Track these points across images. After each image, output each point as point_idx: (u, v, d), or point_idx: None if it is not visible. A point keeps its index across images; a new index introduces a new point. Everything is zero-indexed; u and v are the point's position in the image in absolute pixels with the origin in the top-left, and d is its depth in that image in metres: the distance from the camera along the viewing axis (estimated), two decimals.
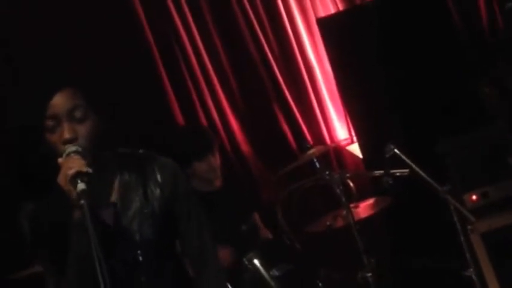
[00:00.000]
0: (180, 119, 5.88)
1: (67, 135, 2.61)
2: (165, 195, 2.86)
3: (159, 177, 2.87)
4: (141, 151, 2.94)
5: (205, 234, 2.98)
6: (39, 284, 3.11)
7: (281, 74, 6.23)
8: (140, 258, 2.81)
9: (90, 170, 2.51)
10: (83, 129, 2.65)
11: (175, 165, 2.95)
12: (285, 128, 6.21)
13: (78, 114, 2.64)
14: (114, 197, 2.81)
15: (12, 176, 2.87)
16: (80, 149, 2.57)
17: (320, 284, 4.41)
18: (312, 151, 4.95)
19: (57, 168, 2.55)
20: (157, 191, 2.85)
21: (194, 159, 4.69)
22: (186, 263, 3.05)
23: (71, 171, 2.49)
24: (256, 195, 5.79)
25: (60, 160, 2.55)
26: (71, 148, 2.57)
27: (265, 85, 6.21)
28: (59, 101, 2.63)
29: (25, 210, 2.81)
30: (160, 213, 2.84)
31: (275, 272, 4.26)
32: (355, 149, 6.24)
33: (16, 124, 2.75)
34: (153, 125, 5.74)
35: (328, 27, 5.93)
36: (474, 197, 4.41)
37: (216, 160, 4.79)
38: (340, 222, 4.86)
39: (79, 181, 2.47)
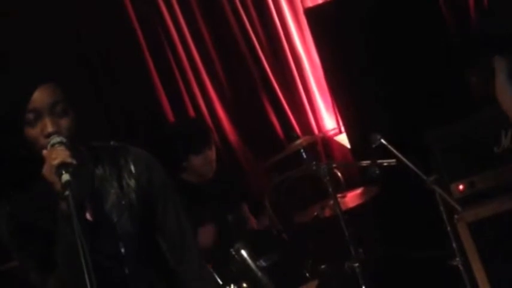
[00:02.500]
0: (167, 109, 5.88)
1: (50, 128, 2.60)
2: (140, 185, 2.85)
3: (133, 168, 2.85)
4: (112, 143, 2.92)
5: (184, 224, 2.97)
6: (21, 276, 3.10)
7: (269, 64, 6.23)
8: (122, 250, 2.80)
9: (74, 161, 2.50)
10: (64, 123, 2.63)
11: (148, 156, 2.94)
12: (273, 118, 6.21)
13: (59, 108, 2.63)
14: (93, 191, 2.81)
15: None
16: (64, 140, 2.56)
17: (307, 274, 4.42)
18: (299, 141, 4.96)
19: (36, 162, 2.55)
20: (133, 182, 2.84)
21: (191, 153, 4.69)
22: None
23: (56, 162, 2.48)
24: (245, 185, 5.79)
25: (44, 152, 2.54)
26: (56, 139, 2.56)
27: (252, 75, 6.20)
28: (41, 96, 2.62)
29: (4, 209, 2.79)
30: (138, 204, 2.83)
31: (262, 263, 4.27)
32: (342, 139, 6.25)
33: None
34: (143, 118, 5.76)
35: (316, 17, 5.93)
36: (461, 187, 4.41)
37: (212, 154, 4.79)
38: (327, 212, 4.88)
39: (64, 172, 2.46)
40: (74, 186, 2.45)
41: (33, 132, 2.62)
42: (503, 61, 3.71)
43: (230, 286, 4.18)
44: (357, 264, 4.49)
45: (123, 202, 2.81)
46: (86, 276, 2.32)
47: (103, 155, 2.86)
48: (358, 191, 5.17)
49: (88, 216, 2.76)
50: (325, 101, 6.41)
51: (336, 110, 6.27)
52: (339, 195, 4.79)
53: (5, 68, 4.58)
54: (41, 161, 2.54)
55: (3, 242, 2.79)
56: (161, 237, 2.95)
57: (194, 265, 2.98)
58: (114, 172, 2.84)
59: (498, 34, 3.72)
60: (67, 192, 2.43)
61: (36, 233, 2.72)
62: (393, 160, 4.31)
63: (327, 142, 6.34)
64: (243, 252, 4.28)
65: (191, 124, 5.11)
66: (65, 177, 2.46)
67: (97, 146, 2.89)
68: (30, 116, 2.62)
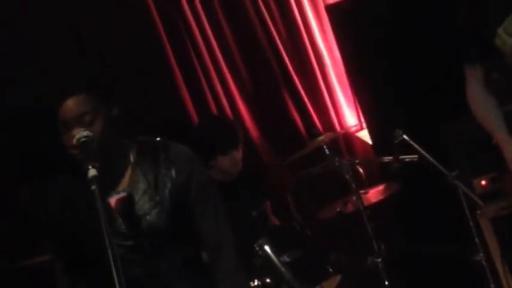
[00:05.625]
0: (190, 106, 5.90)
1: (76, 141, 2.70)
2: (177, 184, 2.87)
3: (172, 166, 2.89)
4: (158, 139, 2.96)
5: (223, 224, 3.00)
6: (48, 271, 3.15)
7: (290, 61, 6.24)
8: (148, 245, 2.83)
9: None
10: (93, 131, 2.72)
11: (191, 155, 2.97)
12: (295, 114, 6.23)
13: (86, 119, 2.73)
14: (125, 184, 2.84)
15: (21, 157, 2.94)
16: (90, 134, 2.63)
17: (330, 270, 4.43)
18: (321, 138, 4.98)
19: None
20: (168, 180, 2.87)
21: (219, 153, 4.68)
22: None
23: None
24: (267, 182, 5.80)
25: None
26: (82, 133, 2.63)
27: (274, 72, 6.22)
28: (69, 108, 2.73)
29: (36, 190, 2.85)
30: (170, 202, 2.86)
31: (285, 258, 4.28)
32: (364, 135, 6.25)
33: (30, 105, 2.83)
34: (165, 115, 5.78)
35: (337, 14, 5.94)
36: (483, 182, 4.41)
37: (239, 156, 4.78)
38: (350, 208, 4.89)
39: (90, 167, 2.51)
40: (100, 181, 2.51)
41: (63, 140, 2.74)
42: (475, 70, 3.67)
43: (254, 281, 4.20)
44: (379, 260, 4.51)
45: (156, 199, 2.84)
46: (113, 268, 2.36)
47: (145, 150, 2.91)
48: (380, 187, 5.18)
49: (119, 208, 2.81)
50: (346, 98, 6.42)
51: (358, 106, 6.27)
52: (361, 191, 4.80)
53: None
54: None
55: (34, 222, 2.86)
56: (198, 236, 2.97)
57: (229, 267, 3.00)
58: (153, 168, 2.88)
59: (469, 41, 3.65)
60: (93, 187, 2.48)
61: (64, 215, 2.78)
62: (415, 156, 4.31)
63: (349, 138, 6.34)
64: (267, 248, 4.29)
65: (221, 124, 5.08)
66: (92, 172, 2.52)
67: (141, 140, 2.94)
68: (61, 127, 2.74)
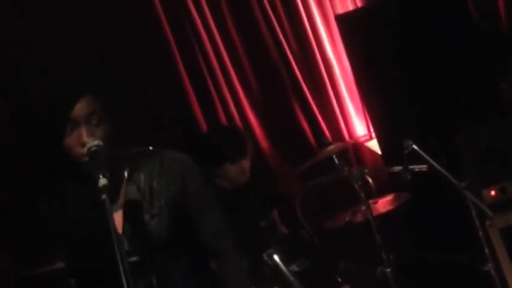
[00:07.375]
0: (199, 114, 5.90)
1: (86, 138, 2.65)
2: (171, 193, 2.85)
3: (165, 175, 2.86)
4: (151, 148, 2.95)
5: (223, 229, 2.97)
6: (58, 280, 3.15)
7: (299, 70, 6.25)
8: (149, 254, 2.82)
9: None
10: (99, 132, 2.68)
11: (185, 161, 2.93)
12: (304, 124, 6.23)
13: (95, 119, 2.68)
14: (121, 199, 2.84)
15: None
16: (101, 143, 2.62)
17: (339, 279, 4.43)
18: (331, 147, 4.98)
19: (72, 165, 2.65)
20: (163, 190, 2.84)
21: (227, 161, 4.67)
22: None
23: None
24: (275, 191, 5.81)
25: None
26: (93, 142, 2.62)
27: (283, 81, 6.22)
28: (79, 107, 2.68)
29: (55, 196, 2.86)
30: (169, 211, 2.83)
31: (294, 267, 4.28)
32: (373, 145, 6.25)
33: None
34: (174, 123, 5.77)
35: (347, 23, 5.95)
36: (492, 193, 4.42)
37: (247, 164, 4.78)
38: (359, 218, 4.89)
39: (101, 177, 2.51)
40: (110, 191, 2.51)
41: (69, 140, 2.68)
42: None
43: None
44: (389, 270, 4.51)
45: (153, 211, 2.81)
46: (123, 275, 2.36)
47: (139, 160, 2.88)
48: (390, 196, 5.18)
49: (117, 220, 2.79)
50: (355, 107, 6.42)
51: (367, 115, 6.27)
52: (370, 200, 4.80)
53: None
54: (76, 165, 2.64)
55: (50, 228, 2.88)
56: (199, 242, 2.97)
57: (235, 270, 2.98)
58: (147, 179, 2.85)
59: None
60: (104, 196, 2.48)
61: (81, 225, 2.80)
62: (425, 166, 4.31)
63: (358, 148, 6.34)
64: (276, 257, 4.29)
65: (231, 133, 5.08)
66: (102, 181, 2.51)
67: (134, 151, 2.92)
68: (68, 126, 2.68)
